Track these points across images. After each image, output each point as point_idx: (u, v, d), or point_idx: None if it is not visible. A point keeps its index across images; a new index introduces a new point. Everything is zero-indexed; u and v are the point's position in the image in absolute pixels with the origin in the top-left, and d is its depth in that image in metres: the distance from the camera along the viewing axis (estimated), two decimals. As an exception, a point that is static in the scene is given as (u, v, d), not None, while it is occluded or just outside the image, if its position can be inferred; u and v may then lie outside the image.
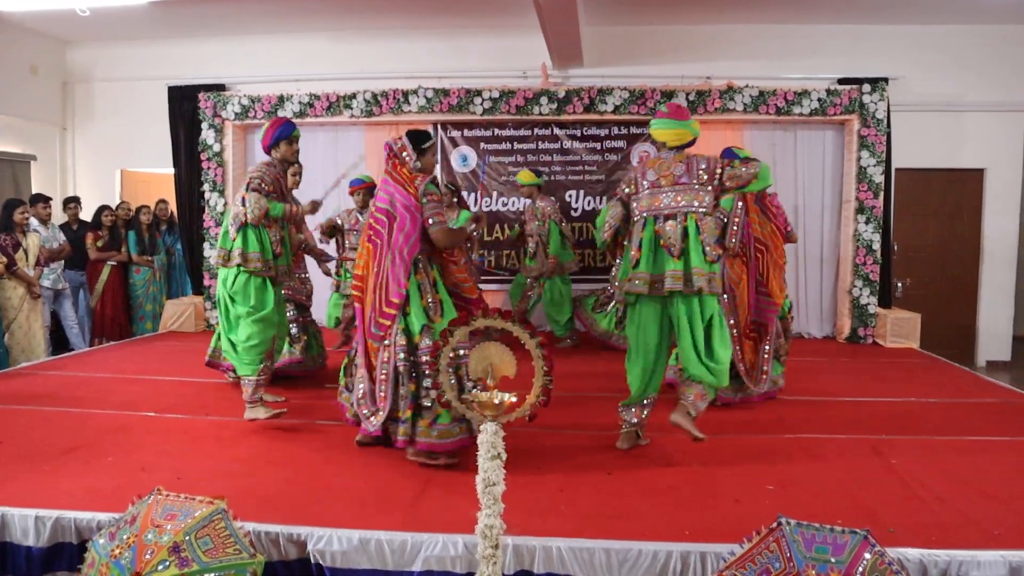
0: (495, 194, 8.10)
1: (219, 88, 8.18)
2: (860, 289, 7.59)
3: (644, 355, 3.85)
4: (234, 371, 4.86)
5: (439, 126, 8.04)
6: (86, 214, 8.03)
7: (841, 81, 7.59)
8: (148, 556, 2.49)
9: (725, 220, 4.07)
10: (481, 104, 7.73)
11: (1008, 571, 2.63)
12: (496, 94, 7.71)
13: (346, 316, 6.31)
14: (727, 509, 3.17)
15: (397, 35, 8.22)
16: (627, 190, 3.94)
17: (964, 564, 2.65)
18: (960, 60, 7.80)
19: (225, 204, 8.10)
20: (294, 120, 7.91)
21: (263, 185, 4.32)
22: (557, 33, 6.75)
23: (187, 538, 2.54)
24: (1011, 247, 8.05)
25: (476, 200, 8.08)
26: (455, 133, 8.10)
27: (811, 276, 7.98)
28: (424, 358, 3.59)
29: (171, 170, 8.43)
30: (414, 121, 7.98)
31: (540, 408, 2.60)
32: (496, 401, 2.46)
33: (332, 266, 6.43)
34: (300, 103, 7.91)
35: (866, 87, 7.44)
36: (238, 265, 4.33)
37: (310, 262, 6.06)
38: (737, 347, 4.63)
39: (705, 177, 3.73)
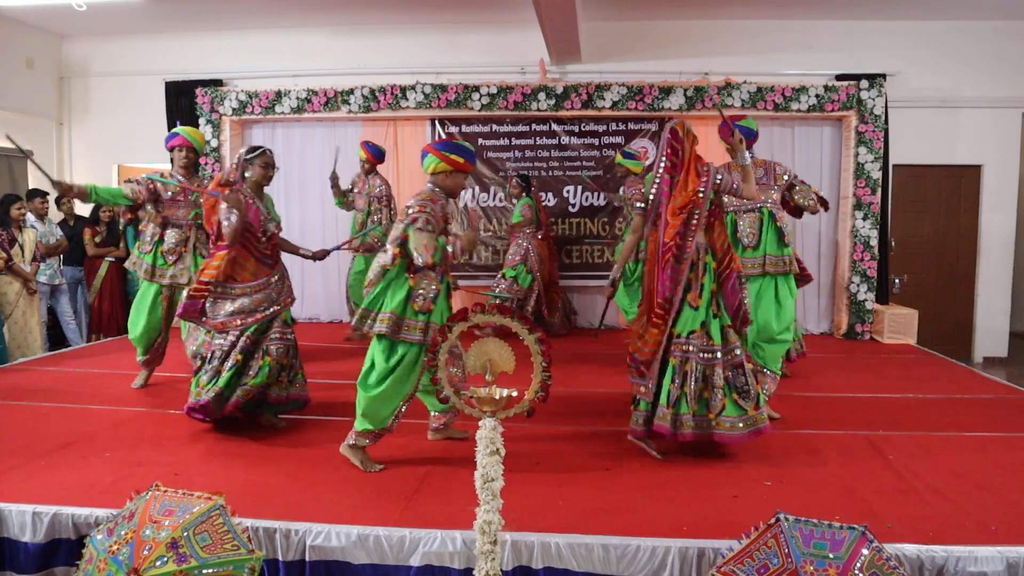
0: (492, 189, 8.10)
1: (216, 83, 8.15)
2: (858, 285, 7.60)
3: None
4: None
5: (436, 122, 8.03)
6: (81, 208, 8.00)
7: (839, 77, 7.59)
8: (146, 552, 2.49)
9: None
10: (479, 100, 7.71)
11: (1005, 566, 2.64)
12: (494, 90, 7.69)
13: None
14: (725, 505, 3.17)
15: (395, 30, 8.19)
16: None
17: (961, 560, 2.65)
18: (957, 56, 7.80)
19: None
20: (291, 116, 7.93)
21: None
22: (555, 28, 6.73)
23: (185, 534, 2.54)
24: (1008, 243, 8.06)
25: (473, 195, 8.08)
26: (453, 129, 8.07)
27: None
28: None
29: (168, 166, 8.37)
30: (412, 117, 7.97)
31: (539, 404, 2.60)
32: (495, 397, 2.45)
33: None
34: (298, 98, 7.89)
35: (864, 83, 7.44)
36: None
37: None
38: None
39: None
